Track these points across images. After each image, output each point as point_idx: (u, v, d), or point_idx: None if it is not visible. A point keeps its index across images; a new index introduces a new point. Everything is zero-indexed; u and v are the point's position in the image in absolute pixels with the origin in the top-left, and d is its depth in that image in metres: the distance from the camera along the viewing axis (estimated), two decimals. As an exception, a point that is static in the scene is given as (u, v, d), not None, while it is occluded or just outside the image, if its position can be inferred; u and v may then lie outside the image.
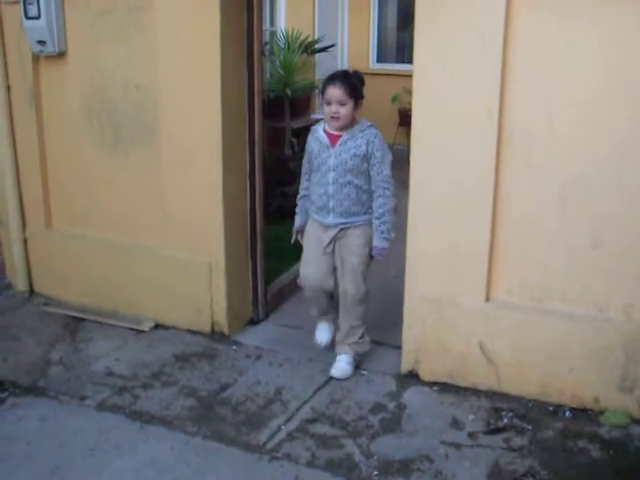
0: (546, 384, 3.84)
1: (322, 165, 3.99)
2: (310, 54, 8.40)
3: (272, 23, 8.74)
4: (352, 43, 10.40)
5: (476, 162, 3.72)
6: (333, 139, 3.96)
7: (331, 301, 4.29)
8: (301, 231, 4.25)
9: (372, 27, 10.71)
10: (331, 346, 4.35)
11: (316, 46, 8.52)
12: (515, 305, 3.86)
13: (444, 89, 3.72)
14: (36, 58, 4.85)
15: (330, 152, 3.96)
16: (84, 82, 4.77)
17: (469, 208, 3.79)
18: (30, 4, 4.56)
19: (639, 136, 3.45)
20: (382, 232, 3.99)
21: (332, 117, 3.90)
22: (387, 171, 3.95)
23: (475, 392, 3.97)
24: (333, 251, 4.11)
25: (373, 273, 4.94)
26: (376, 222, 3.99)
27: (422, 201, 3.89)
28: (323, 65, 9.02)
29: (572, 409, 3.79)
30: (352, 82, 3.90)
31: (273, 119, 6.90)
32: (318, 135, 4.03)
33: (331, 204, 4.00)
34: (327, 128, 4.00)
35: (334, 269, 4.15)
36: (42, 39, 4.64)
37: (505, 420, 3.73)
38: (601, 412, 3.73)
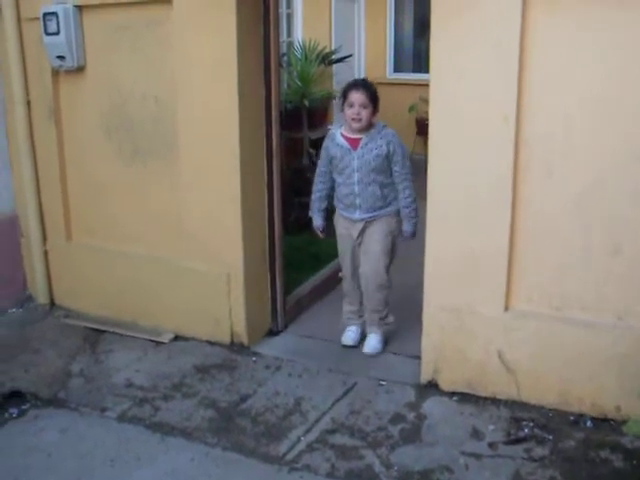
0: (566, 393, 3.81)
1: (346, 168, 4.34)
2: (327, 65, 8.40)
3: (289, 34, 8.76)
4: (369, 53, 10.42)
5: (493, 169, 3.71)
6: (353, 142, 4.28)
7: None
8: (322, 229, 4.65)
9: (388, 37, 10.73)
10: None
11: (333, 57, 8.52)
12: (534, 314, 3.84)
13: (461, 96, 3.72)
14: (55, 73, 4.91)
15: (353, 155, 4.29)
16: (103, 96, 4.81)
17: (487, 216, 3.78)
18: (49, 20, 4.62)
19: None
20: (411, 218, 4.42)
21: (354, 119, 4.23)
22: (408, 163, 4.36)
23: (495, 402, 3.95)
24: (363, 241, 4.48)
25: (394, 283, 4.96)
26: (405, 210, 4.40)
27: (440, 209, 3.89)
28: (340, 75, 9.01)
29: (593, 418, 3.75)
30: (373, 89, 4.32)
31: (291, 130, 6.91)
32: (338, 140, 4.33)
33: (358, 202, 4.37)
34: (344, 132, 4.33)
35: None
36: (61, 54, 4.70)
37: (525, 430, 3.70)
38: (623, 421, 3.69)
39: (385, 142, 4.25)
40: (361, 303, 4.66)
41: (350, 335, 4.68)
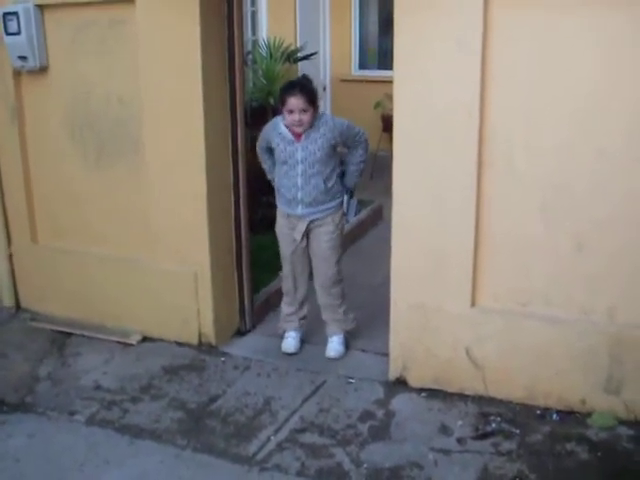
0: (533, 388, 3.86)
1: (289, 159, 4.24)
2: (293, 62, 8.40)
3: (254, 32, 8.74)
4: (334, 50, 10.41)
5: (457, 168, 3.74)
6: (296, 134, 4.21)
7: (306, 295, 4.62)
8: None
9: (353, 34, 10.71)
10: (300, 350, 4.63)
11: (298, 54, 8.52)
12: (500, 310, 3.88)
13: (424, 94, 3.73)
14: (17, 74, 4.85)
15: (296, 146, 4.21)
16: (66, 97, 4.77)
17: (452, 214, 3.81)
18: (10, 20, 4.56)
19: (621, 140, 3.47)
20: (356, 177, 4.40)
21: (295, 125, 4.15)
22: (357, 129, 4.30)
23: (463, 397, 3.99)
24: (307, 244, 4.42)
25: (359, 282, 4.98)
26: (352, 168, 4.36)
27: (405, 207, 3.91)
28: (306, 73, 9.03)
29: (559, 412, 3.81)
30: (310, 89, 4.20)
31: (256, 128, 6.89)
32: (280, 129, 4.25)
33: (299, 195, 4.27)
34: (287, 123, 4.21)
35: (309, 259, 4.50)
36: (23, 54, 4.64)
37: (493, 425, 3.75)
38: (588, 414, 3.75)
39: (328, 129, 4.17)
40: (301, 304, 4.63)
41: (290, 342, 4.61)
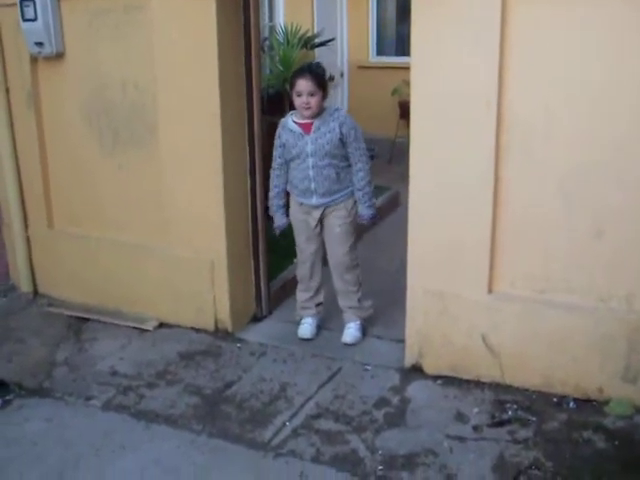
0: (550, 375, 3.84)
1: (301, 153, 4.26)
2: (310, 49, 8.36)
3: (271, 18, 8.71)
4: (351, 37, 10.39)
5: (475, 154, 3.70)
6: (305, 127, 4.24)
7: (323, 281, 4.63)
8: (282, 229, 4.59)
9: (371, 20, 10.68)
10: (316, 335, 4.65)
11: (315, 40, 8.48)
12: (517, 297, 3.85)
13: (442, 82, 3.70)
14: (34, 60, 4.86)
15: (306, 139, 4.22)
16: (82, 82, 4.77)
17: (470, 200, 3.78)
18: (27, 6, 4.56)
19: (637, 127, 3.43)
20: (366, 202, 4.35)
21: (303, 107, 4.16)
22: (362, 145, 4.29)
23: (479, 385, 3.97)
24: (321, 229, 4.45)
25: (376, 268, 4.96)
26: (359, 194, 4.34)
27: (422, 194, 3.88)
28: (323, 59, 8.89)
29: (576, 400, 3.78)
30: (319, 74, 4.23)
31: (273, 115, 6.87)
32: (290, 126, 4.27)
33: (313, 186, 4.29)
34: (296, 119, 4.26)
35: (324, 246, 4.53)
36: (39, 40, 4.64)
37: (509, 412, 3.73)
38: (605, 402, 3.72)
39: (338, 124, 4.17)
40: (317, 291, 4.64)
41: (307, 327, 4.62)
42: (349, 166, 4.31)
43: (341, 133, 4.17)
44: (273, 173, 4.46)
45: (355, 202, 4.39)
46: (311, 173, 4.25)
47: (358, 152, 4.26)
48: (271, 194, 4.50)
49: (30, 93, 4.93)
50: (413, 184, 3.90)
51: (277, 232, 4.60)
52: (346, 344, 4.49)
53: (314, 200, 4.32)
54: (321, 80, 4.18)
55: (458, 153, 3.75)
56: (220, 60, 4.21)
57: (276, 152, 4.40)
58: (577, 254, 3.69)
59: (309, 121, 4.21)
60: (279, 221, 4.52)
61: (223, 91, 4.27)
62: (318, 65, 4.37)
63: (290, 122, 4.28)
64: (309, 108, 4.15)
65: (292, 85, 4.21)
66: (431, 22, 3.65)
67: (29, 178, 5.17)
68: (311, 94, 4.12)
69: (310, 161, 4.23)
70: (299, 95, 4.15)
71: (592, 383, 3.76)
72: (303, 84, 4.13)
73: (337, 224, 4.38)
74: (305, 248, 4.52)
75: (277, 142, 4.39)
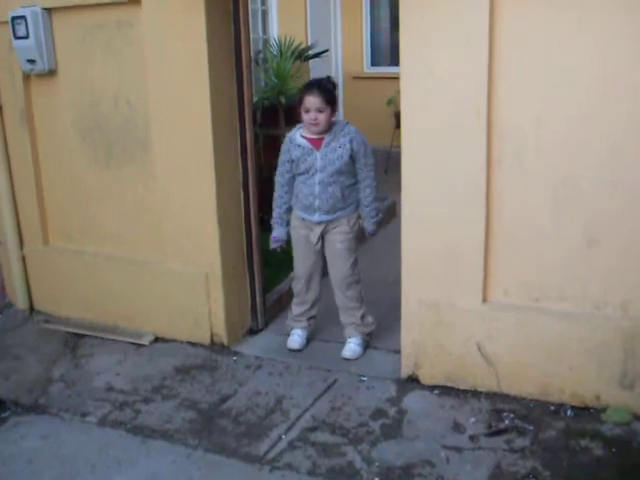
0: (546, 383, 3.83)
1: (310, 168, 4.21)
2: (304, 61, 8.37)
3: (265, 31, 8.73)
4: (346, 48, 10.41)
5: (467, 164, 3.71)
6: (315, 143, 4.17)
7: (318, 296, 4.61)
8: (282, 243, 4.50)
9: (365, 31, 10.70)
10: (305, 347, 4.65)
11: (309, 52, 8.48)
12: (512, 305, 3.85)
13: (432, 91, 3.70)
14: (27, 77, 4.87)
15: (316, 155, 4.18)
16: (75, 99, 4.78)
17: (462, 210, 3.78)
18: (18, 24, 4.58)
19: (631, 135, 3.43)
20: (373, 217, 4.37)
21: (311, 124, 4.12)
22: (371, 161, 4.27)
23: (475, 394, 3.96)
24: (322, 246, 4.41)
25: (372, 279, 4.96)
26: (366, 210, 4.34)
27: (415, 204, 3.88)
28: (317, 71, 8.96)
29: (573, 407, 3.77)
30: (328, 89, 4.18)
31: (268, 127, 6.89)
32: (298, 141, 4.22)
33: (317, 203, 4.25)
34: (305, 134, 4.21)
35: (324, 260, 4.50)
36: (32, 58, 4.65)
37: (506, 421, 3.71)
38: (603, 410, 3.71)
39: (348, 140, 4.14)
40: (312, 305, 4.61)
41: (296, 339, 4.60)
42: (354, 184, 4.29)
43: (352, 149, 4.15)
44: (281, 189, 4.40)
45: (358, 217, 4.36)
46: (317, 190, 4.21)
47: (367, 168, 4.24)
48: (279, 210, 4.43)
49: (23, 110, 4.94)
50: (406, 193, 3.90)
51: (275, 245, 4.51)
52: (345, 359, 4.44)
53: (316, 217, 4.29)
54: (330, 96, 4.13)
55: (450, 162, 3.75)
56: (211, 74, 4.21)
57: (283, 167, 4.34)
58: (571, 262, 3.69)
59: (319, 136, 4.17)
60: (281, 234, 4.45)
61: (214, 104, 4.28)
62: (329, 80, 4.29)
63: (298, 137, 4.24)
64: (317, 124, 4.11)
65: (300, 101, 4.16)
66: (419, 31, 3.66)
67: (24, 195, 5.17)
68: (319, 110, 4.08)
69: (317, 177, 4.20)
70: (307, 111, 4.11)
71: (589, 391, 3.75)
72: (311, 100, 4.08)
73: (339, 240, 4.35)
74: (303, 263, 4.49)
75: (284, 157, 4.32)
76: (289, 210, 4.43)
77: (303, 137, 4.22)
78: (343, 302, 4.50)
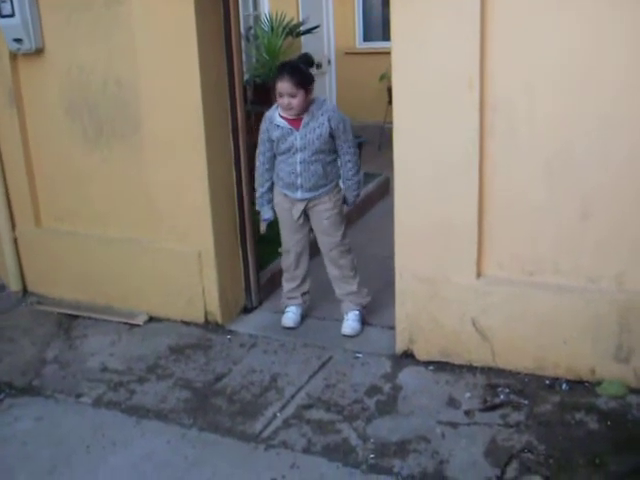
0: (541, 358, 3.82)
1: (290, 148, 4.21)
2: (295, 37, 8.32)
3: (255, 7, 8.65)
4: (337, 23, 10.30)
5: (460, 135, 3.66)
6: (294, 123, 4.16)
7: (309, 270, 4.63)
8: (269, 222, 4.51)
9: (357, 6, 10.64)
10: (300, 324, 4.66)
11: (301, 28, 8.43)
12: (506, 280, 3.83)
13: (423, 62, 3.65)
14: (14, 56, 4.80)
15: (295, 135, 4.17)
16: (64, 78, 4.72)
17: (455, 184, 3.74)
18: (4, 2, 4.51)
19: (624, 106, 3.40)
20: (354, 190, 4.41)
21: (285, 108, 4.12)
22: (351, 136, 4.27)
23: (470, 369, 3.96)
24: (306, 219, 4.42)
25: (366, 255, 4.93)
26: (347, 183, 4.37)
27: (407, 178, 3.85)
28: (309, 47, 8.91)
29: (568, 381, 3.77)
30: (300, 72, 4.13)
31: (260, 104, 6.83)
32: (277, 122, 4.20)
33: (299, 181, 4.25)
34: (283, 114, 4.18)
35: (310, 231, 4.52)
36: (18, 37, 4.58)
37: (501, 396, 3.71)
38: (598, 383, 3.71)
39: (327, 118, 4.12)
40: (302, 279, 4.60)
41: (290, 316, 4.61)
42: (335, 160, 4.29)
43: (330, 127, 4.13)
44: (262, 167, 4.39)
45: (339, 192, 4.36)
46: (299, 168, 4.21)
47: (346, 144, 4.24)
48: (262, 189, 4.43)
49: (11, 91, 4.87)
50: (398, 168, 3.87)
51: (263, 227, 4.55)
52: (345, 336, 4.43)
53: (299, 194, 4.29)
54: (301, 78, 4.08)
55: (442, 135, 3.71)
56: (200, 51, 4.16)
57: (263, 146, 4.33)
58: (564, 235, 3.67)
59: (297, 117, 4.15)
60: (267, 214, 4.48)
61: (205, 82, 4.23)
62: (305, 58, 4.30)
63: (277, 117, 4.21)
64: (291, 109, 4.10)
65: (275, 85, 4.14)
66: (410, 5, 3.60)
67: (14, 177, 5.12)
68: (292, 95, 4.06)
69: (299, 156, 4.19)
70: (281, 96, 4.10)
71: (584, 364, 3.75)
72: (282, 86, 4.07)
73: (324, 217, 4.35)
74: (289, 238, 4.49)
75: (264, 136, 4.31)
76: (270, 188, 4.43)
77: (282, 117, 4.19)
78: (337, 272, 4.50)
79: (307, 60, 4.31)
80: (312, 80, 4.16)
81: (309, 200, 4.31)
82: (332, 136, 4.17)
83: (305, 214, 4.38)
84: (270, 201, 4.45)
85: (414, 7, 3.60)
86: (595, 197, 3.56)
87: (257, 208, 4.52)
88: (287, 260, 4.57)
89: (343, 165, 4.31)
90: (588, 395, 3.66)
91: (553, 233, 3.70)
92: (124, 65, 4.47)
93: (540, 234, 3.72)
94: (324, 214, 4.34)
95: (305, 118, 4.14)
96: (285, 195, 4.35)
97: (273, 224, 4.55)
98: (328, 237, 4.40)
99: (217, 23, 4.30)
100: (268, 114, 4.30)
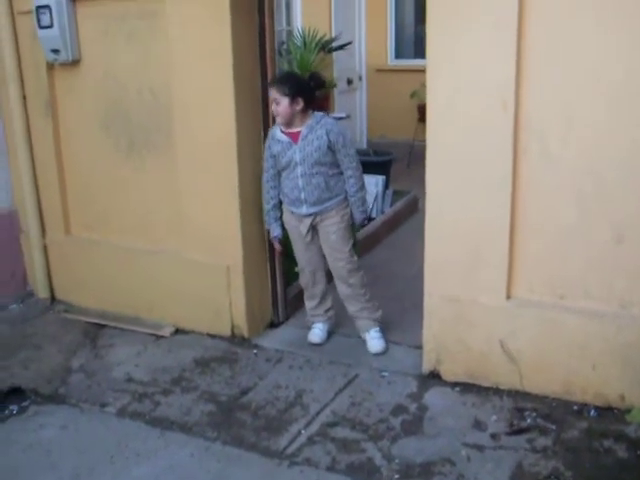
0: (570, 382, 3.77)
1: (290, 162, 4.23)
2: (327, 52, 8.35)
3: (289, 22, 8.69)
4: (369, 40, 10.31)
5: (492, 156, 3.65)
6: (293, 136, 4.22)
7: (328, 287, 4.61)
8: (280, 240, 4.56)
9: (389, 23, 10.64)
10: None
11: (333, 44, 8.46)
12: (536, 302, 3.80)
13: (457, 82, 3.65)
14: (50, 67, 4.88)
15: (294, 148, 4.20)
16: (99, 89, 4.78)
17: (487, 205, 3.72)
18: (43, 13, 4.58)
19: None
20: (359, 207, 4.36)
21: (275, 116, 4.22)
22: (352, 151, 4.28)
23: (497, 392, 3.91)
24: (314, 236, 4.41)
25: (394, 273, 4.90)
26: (352, 199, 4.34)
27: (438, 197, 3.83)
28: (341, 63, 8.98)
29: (597, 408, 3.71)
30: (289, 81, 4.22)
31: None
32: (278, 137, 4.26)
33: (303, 196, 4.26)
34: (283, 129, 4.23)
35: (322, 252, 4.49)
36: (56, 48, 4.65)
37: (528, 420, 3.67)
38: (627, 410, 3.62)
39: (324, 132, 4.14)
40: (322, 297, 4.60)
41: (316, 332, 4.61)
42: (340, 173, 4.29)
43: (329, 140, 4.15)
44: (267, 185, 4.42)
45: (347, 207, 4.36)
46: (300, 182, 4.23)
47: (347, 159, 4.24)
48: (268, 207, 4.46)
49: (47, 100, 4.94)
50: (429, 188, 3.86)
51: (276, 244, 4.57)
52: (376, 354, 4.41)
53: (304, 209, 4.29)
54: (289, 87, 4.11)
55: (475, 156, 3.70)
56: (235, 65, 4.19)
57: (267, 163, 4.36)
58: (596, 259, 3.63)
59: (296, 129, 4.19)
60: (275, 231, 4.48)
61: (238, 95, 4.25)
62: (315, 76, 4.43)
63: (278, 132, 4.26)
64: (277, 115, 4.17)
65: None
66: (446, 22, 3.61)
67: (46, 185, 5.18)
68: (277, 103, 4.12)
69: (299, 170, 4.21)
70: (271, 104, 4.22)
71: (613, 390, 3.69)
72: (270, 93, 4.20)
73: (332, 231, 4.34)
74: (302, 256, 4.51)
75: (267, 153, 4.35)
76: (277, 205, 4.44)
77: (282, 132, 4.24)
78: (347, 291, 4.48)
79: (316, 79, 4.41)
80: (305, 92, 4.18)
81: (316, 215, 4.30)
82: (332, 150, 4.19)
83: (314, 230, 4.39)
84: (278, 218, 4.46)
85: (451, 28, 3.60)
86: (629, 221, 3.52)
87: (266, 226, 4.54)
88: (304, 278, 4.58)
89: (346, 181, 4.30)
90: (617, 422, 3.60)
91: (585, 257, 3.66)
92: (158, 76, 4.52)
93: (572, 257, 3.68)
94: (331, 228, 4.33)
95: (304, 131, 4.17)
96: (292, 212, 4.38)
97: (288, 242, 4.55)
98: (335, 252, 4.37)
99: (252, 37, 4.32)
100: (271, 130, 4.36)
